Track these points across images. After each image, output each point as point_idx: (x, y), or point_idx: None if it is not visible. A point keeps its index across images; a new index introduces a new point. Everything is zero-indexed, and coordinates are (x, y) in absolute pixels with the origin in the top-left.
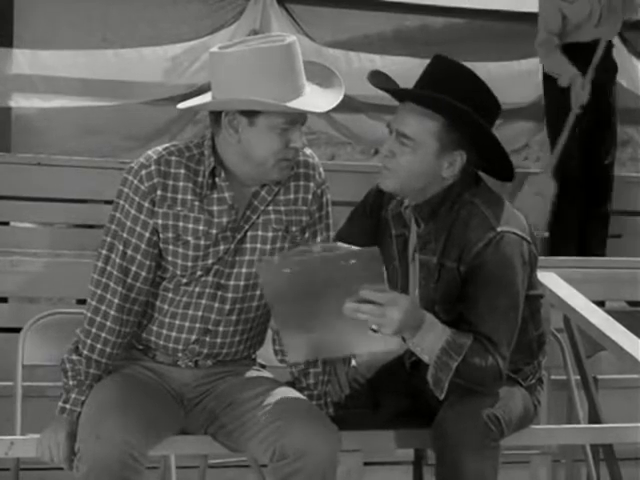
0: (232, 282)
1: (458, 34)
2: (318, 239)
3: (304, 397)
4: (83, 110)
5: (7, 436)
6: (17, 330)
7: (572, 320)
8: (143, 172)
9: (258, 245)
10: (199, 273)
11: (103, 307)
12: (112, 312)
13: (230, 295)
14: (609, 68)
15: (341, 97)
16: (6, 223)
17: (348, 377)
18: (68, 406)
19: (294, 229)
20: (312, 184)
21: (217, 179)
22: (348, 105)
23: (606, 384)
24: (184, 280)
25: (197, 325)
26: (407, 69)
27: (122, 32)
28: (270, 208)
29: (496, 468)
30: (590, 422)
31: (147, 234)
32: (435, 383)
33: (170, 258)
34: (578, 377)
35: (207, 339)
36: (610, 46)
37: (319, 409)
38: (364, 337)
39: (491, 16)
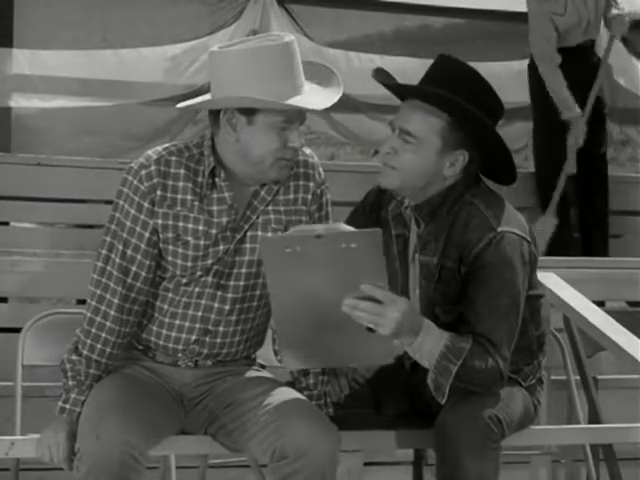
0: (232, 282)
1: (458, 34)
2: None
3: (304, 397)
4: (83, 110)
5: (7, 436)
6: (17, 330)
7: (572, 320)
8: (143, 172)
9: (258, 245)
10: (199, 273)
11: (103, 307)
12: (112, 312)
13: (230, 295)
14: (592, 63)
15: (339, 95)
16: (6, 223)
17: (348, 377)
18: (68, 406)
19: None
20: (312, 184)
21: (217, 179)
22: (348, 105)
23: (606, 384)
24: (184, 280)
25: (197, 325)
26: (407, 69)
27: (122, 32)
28: (270, 208)
29: (497, 469)
30: (590, 422)
31: (147, 234)
32: (436, 388)
33: (170, 258)
34: (578, 377)
35: (207, 339)
36: (593, 43)
37: (319, 409)
38: (360, 345)
39: (491, 16)
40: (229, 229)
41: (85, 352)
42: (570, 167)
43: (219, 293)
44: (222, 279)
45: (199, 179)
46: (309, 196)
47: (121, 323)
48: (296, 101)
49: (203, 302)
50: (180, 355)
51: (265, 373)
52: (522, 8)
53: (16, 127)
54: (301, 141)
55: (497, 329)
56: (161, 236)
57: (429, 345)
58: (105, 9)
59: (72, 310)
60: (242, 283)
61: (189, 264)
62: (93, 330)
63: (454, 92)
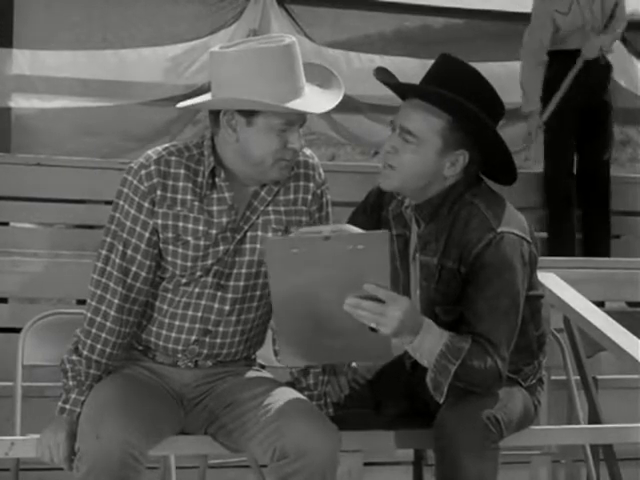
0: (232, 283)
1: (458, 34)
2: None
3: (304, 397)
4: (83, 110)
5: (7, 436)
6: (17, 330)
7: (572, 320)
8: (143, 172)
9: (258, 246)
10: (199, 273)
11: (103, 307)
12: (112, 312)
13: (230, 296)
14: (602, 67)
15: (340, 98)
16: (6, 223)
17: (348, 377)
18: (68, 406)
19: (294, 229)
20: (312, 184)
21: (217, 179)
22: (347, 105)
23: (606, 384)
24: (184, 280)
25: (197, 326)
26: (407, 69)
27: (122, 32)
28: (270, 208)
29: (496, 469)
30: (590, 422)
31: (147, 234)
32: (435, 387)
33: (170, 258)
34: (578, 377)
35: (207, 340)
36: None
37: (319, 409)
38: (359, 344)
39: (491, 16)
40: (229, 229)
41: (85, 352)
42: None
43: (219, 293)
44: (222, 279)
45: (199, 179)
46: (309, 196)
47: (121, 323)
48: (297, 104)
49: (203, 302)
50: (180, 355)
51: (265, 373)
52: (522, 8)
53: (16, 127)
54: (301, 142)
55: (496, 329)
56: (161, 236)
57: (429, 344)
58: (105, 9)
59: (72, 310)
60: (242, 283)
61: (189, 264)
62: (93, 330)
63: (455, 92)
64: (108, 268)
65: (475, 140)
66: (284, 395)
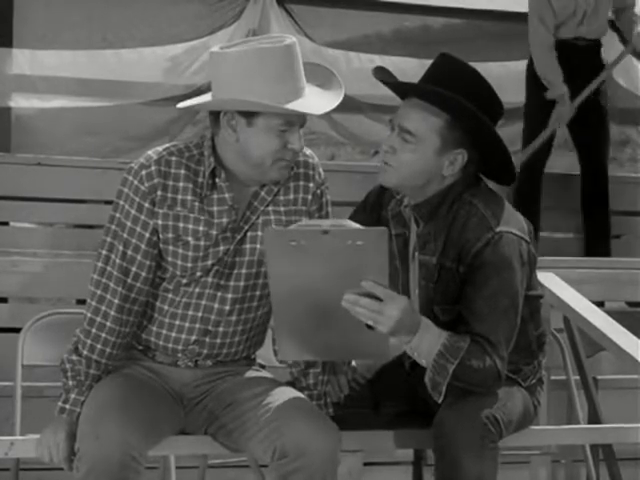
0: (232, 283)
1: (458, 34)
2: None
3: (304, 396)
4: (83, 110)
5: (7, 436)
6: (17, 330)
7: (572, 320)
8: (143, 172)
9: (258, 246)
10: (199, 274)
11: (103, 307)
12: (112, 312)
13: (230, 296)
14: (597, 67)
15: (340, 99)
16: (6, 223)
17: (347, 377)
18: (68, 406)
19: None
20: (312, 184)
21: (217, 179)
22: (348, 105)
23: (606, 384)
24: (184, 281)
25: (197, 326)
26: (407, 69)
27: (122, 32)
28: (270, 209)
29: (495, 469)
30: (590, 422)
31: (147, 234)
32: (433, 387)
33: (170, 259)
34: (578, 377)
35: (207, 340)
36: (598, 46)
37: (319, 408)
38: (356, 341)
39: (491, 16)
40: (229, 230)
41: (85, 352)
42: (542, 137)
43: (219, 294)
44: (222, 280)
45: (199, 179)
46: (309, 196)
47: (121, 323)
48: (297, 105)
49: (203, 303)
50: (180, 355)
51: (265, 373)
52: (522, 8)
53: (16, 127)
54: (301, 143)
55: (495, 329)
56: (161, 236)
57: (427, 344)
58: (105, 9)
59: (72, 310)
60: (242, 284)
61: (189, 265)
62: (93, 330)
63: (454, 91)
64: (108, 268)
65: (474, 139)
66: (284, 394)
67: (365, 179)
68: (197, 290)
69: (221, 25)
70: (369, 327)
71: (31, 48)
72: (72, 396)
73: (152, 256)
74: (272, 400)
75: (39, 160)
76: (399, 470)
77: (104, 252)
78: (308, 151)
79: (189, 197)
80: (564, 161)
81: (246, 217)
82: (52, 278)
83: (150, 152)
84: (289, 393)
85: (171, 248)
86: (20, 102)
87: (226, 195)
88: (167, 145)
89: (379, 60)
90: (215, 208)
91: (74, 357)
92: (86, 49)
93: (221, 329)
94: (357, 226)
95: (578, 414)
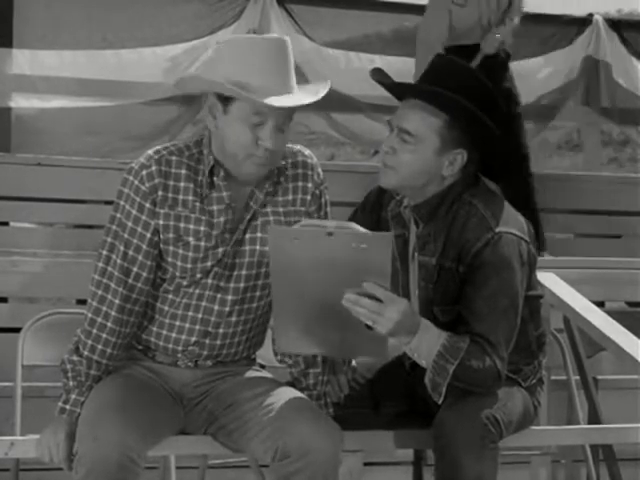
0: (232, 284)
1: None
2: None
3: (305, 396)
4: (83, 110)
5: (7, 436)
6: (17, 330)
7: (572, 320)
8: (144, 172)
9: (257, 247)
10: (199, 275)
11: (104, 308)
12: (113, 313)
13: (230, 297)
14: (502, 59)
15: (317, 97)
16: (6, 223)
17: (347, 377)
18: (68, 407)
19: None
20: (310, 185)
21: (215, 178)
22: (347, 105)
23: (606, 384)
24: (184, 282)
25: (197, 327)
26: (406, 69)
27: (122, 32)
28: (269, 210)
29: (495, 469)
30: (590, 423)
31: (148, 235)
32: (433, 387)
33: (170, 259)
34: (578, 377)
35: (207, 341)
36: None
37: (320, 408)
38: (355, 340)
39: None
40: (227, 230)
41: (86, 353)
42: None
43: (219, 295)
44: (222, 281)
45: (199, 178)
46: (308, 197)
47: (122, 324)
48: (272, 100)
49: (203, 304)
50: (180, 356)
51: (265, 373)
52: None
53: (16, 127)
54: (278, 143)
55: (495, 329)
56: (162, 237)
57: (427, 345)
58: (105, 9)
59: (72, 310)
60: (242, 285)
61: (188, 266)
62: (94, 331)
63: (452, 90)
64: (109, 268)
65: (473, 139)
66: (285, 395)
67: (364, 179)
68: (197, 291)
69: (221, 25)
70: (368, 327)
71: (31, 48)
72: (72, 396)
73: (153, 256)
74: (273, 400)
75: (39, 160)
76: (399, 470)
77: (105, 252)
78: (307, 151)
79: (190, 197)
80: (564, 161)
81: (242, 217)
82: (52, 278)
83: (150, 152)
84: (290, 393)
85: (171, 248)
86: (20, 102)
87: (224, 194)
88: (167, 144)
89: (379, 60)
90: (215, 207)
91: (75, 357)
92: (86, 49)
93: (221, 330)
94: (362, 230)
95: (578, 414)
